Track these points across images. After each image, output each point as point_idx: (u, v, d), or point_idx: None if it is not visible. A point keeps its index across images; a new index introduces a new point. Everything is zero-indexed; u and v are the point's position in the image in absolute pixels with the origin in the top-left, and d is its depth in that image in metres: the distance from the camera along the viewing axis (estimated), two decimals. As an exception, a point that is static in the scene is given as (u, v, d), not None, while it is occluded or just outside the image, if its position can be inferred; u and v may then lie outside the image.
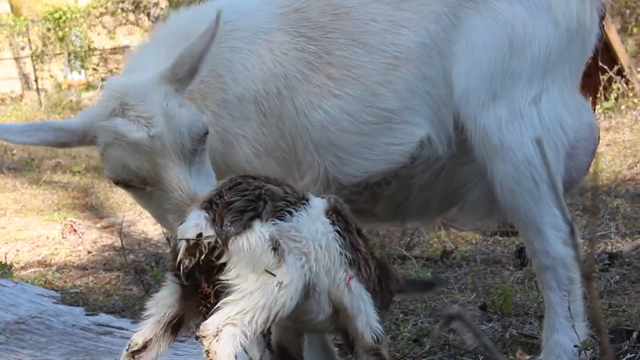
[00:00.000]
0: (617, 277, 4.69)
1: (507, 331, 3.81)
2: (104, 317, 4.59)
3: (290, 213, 2.47)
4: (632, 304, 4.11)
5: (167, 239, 4.45)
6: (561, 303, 3.05)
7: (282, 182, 2.57)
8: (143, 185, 2.81)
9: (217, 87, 3.11)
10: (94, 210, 8.62)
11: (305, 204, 2.55)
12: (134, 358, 2.44)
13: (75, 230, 7.37)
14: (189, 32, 3.03)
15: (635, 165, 8.41)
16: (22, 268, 6.34)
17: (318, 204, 2.62)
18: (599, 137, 3.37)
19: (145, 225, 7.65)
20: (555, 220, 3.04)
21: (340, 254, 2.59)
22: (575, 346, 3.02)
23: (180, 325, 2.48)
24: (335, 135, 3.09)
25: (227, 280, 2.35)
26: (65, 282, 5.83)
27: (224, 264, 2.35)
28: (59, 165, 11.47)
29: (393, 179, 3.16)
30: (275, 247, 2.38)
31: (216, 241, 2.35)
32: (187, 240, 2.36)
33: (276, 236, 2.40)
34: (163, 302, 2.47)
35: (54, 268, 6.28)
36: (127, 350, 2.46)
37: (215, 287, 2.38)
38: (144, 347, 2.44)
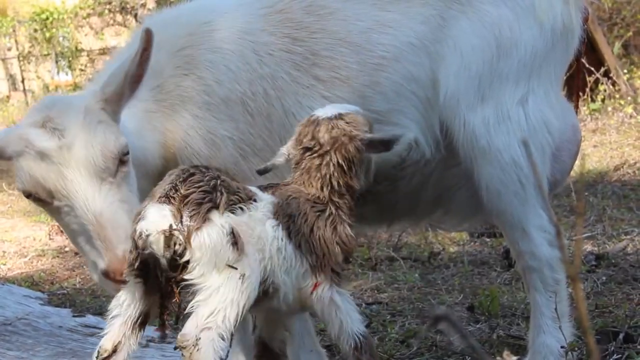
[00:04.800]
0: (604, 278, 4.70)
1: (494, 332, 3.82)
2: (91, 319, 4.57)
3: (242, 209, 2.43)
4: (619, 305, 4.12)
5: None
6: (547, 304, 3.06)
7: (234, 177, 2.53)
8: (50, 199, 2.75)
9: (199, 90, 3.08)
10: (81, 212, 8.56)
11: (252, 204, 2.49)
12: None
13: (62, 232, 7.33)
14: (159, 37, 3.02)
15: (622, 167, 8.44)
16: (9, 269, 6.32)
17: (265, 205, 2.54)
18: (581, 139, 3.38)
19: (133, 226, 7.61)
20: (541, 222, 3.05)
21: (299, 257, 2.54)
22: (561, 347, 3.03)
23: (147, 321, 2.45)
24: None
25: (192, 279, 2.31)
26: (52, 283, 5.80)
27: (187, 262, 2.31)
28: (46, 167, 11.39)
29: (382, 180, 3.15)
30: (235, 241, 2.34)
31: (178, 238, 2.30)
32: (158, 233, 2.30)
33: (235, 228, 2.36)
34: (126, 302, 2.43)
35: (41, 269, 6.25)
36: (96, 357, 2.41)
37: (179, 285, 2.34)
38: (114, 350, 2.41)
